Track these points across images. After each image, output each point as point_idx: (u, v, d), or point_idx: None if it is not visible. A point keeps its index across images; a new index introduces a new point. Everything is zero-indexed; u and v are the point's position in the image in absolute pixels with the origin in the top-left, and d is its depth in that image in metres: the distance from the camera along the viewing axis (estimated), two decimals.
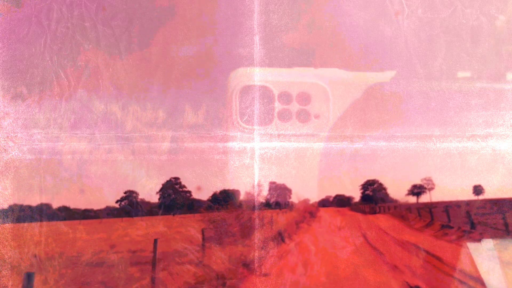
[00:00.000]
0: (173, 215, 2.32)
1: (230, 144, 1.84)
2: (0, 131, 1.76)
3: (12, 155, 1.77)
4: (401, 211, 2.56)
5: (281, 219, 2.38)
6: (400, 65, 1.87)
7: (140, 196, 2.07)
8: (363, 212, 2.64)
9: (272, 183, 2.01)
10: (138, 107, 1.85)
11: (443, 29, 1.84)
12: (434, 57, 1.85)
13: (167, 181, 2.09)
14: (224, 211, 2.18)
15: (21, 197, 1.80)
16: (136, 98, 1.85)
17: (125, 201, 2.10)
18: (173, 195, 2.23)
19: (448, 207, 2.42)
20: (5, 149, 1.77)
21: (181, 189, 2.21)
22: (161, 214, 2.21)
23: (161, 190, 2.10)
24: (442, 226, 2.52)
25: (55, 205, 1.90)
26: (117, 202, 2.08)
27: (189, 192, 2.17)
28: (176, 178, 2.16)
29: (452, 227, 2.45)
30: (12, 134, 1.77)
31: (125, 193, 2.07)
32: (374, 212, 2.64)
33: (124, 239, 2.20)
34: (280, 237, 2.39)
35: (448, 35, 1.85)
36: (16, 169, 1.78)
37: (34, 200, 1.83)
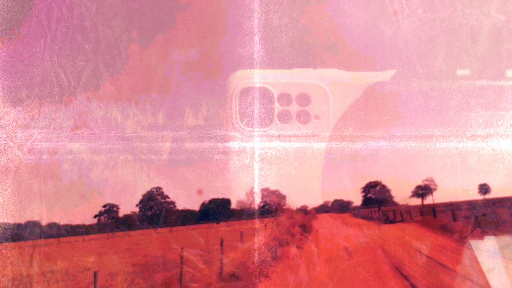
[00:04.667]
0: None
1: (230, 144, 1.84)
2: (0, 131, 1.76)
3: (12, 155, 1.77)
4: (439, 219, 1.76)
5: (245, 246, 1.35)
6: (400, 65, 1.86)
7: (132, 206, 1.93)
8: (372, 220, 2.00)
9: (264, 189, 1.86)
10: (138, 108, 1.85)
11: (443, 29, 1.84)
12: (434, 57, 1.85)
13: (148, 192, 1.91)
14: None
15: (21, 197, 1.80)
16: (136, 98, 1.85)
17: (104, 215, 1.94)
18: (155, 207, 1.97)
19: None
20: (5, 149, 1.77)
21: (163, 200, 1.96)
22: (145, 228, 2.00)
23: (141, 202, 1.93)
24: None
25: (53, 212, 1.83)
26: (95, 217, 1.92)
27: (173, 203, 1.95)
28: (158, 188, 1.93)
29: None
30: (12, 134, 1.77)
31: (104, 206, 1.92)
32: (388, 220, 1.98)
33: None
34: None
35: (448, 35, 1.85)
36: (16, 169, 1.78)
37: (34, 203, 1.83)
